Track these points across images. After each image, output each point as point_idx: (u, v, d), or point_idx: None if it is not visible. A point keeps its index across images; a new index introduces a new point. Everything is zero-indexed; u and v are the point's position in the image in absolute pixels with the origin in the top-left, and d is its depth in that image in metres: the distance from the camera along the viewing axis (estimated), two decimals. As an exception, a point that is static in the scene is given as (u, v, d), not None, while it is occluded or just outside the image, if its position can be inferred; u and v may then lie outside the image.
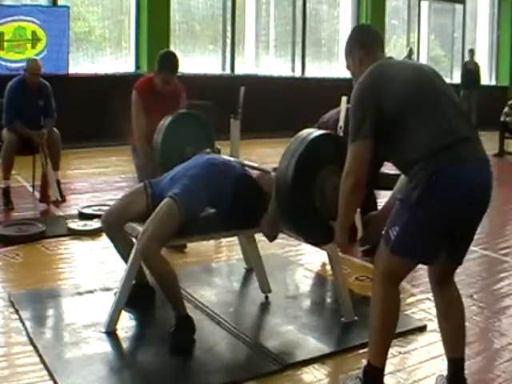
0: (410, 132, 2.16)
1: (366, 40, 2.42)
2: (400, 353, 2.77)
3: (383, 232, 2.28)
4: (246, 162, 3.33)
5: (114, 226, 2.95)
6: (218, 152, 3.60)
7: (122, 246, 3.00)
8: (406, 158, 2.19)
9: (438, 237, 2.19)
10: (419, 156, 2.13)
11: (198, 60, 10.41)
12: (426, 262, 2.32)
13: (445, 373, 2.42)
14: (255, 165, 3.27)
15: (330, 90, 7.25)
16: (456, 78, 13.67)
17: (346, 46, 2.47)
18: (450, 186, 2.11)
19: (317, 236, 2.64)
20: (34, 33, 8.52)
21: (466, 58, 13.10)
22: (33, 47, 8.52)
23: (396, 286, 2.29)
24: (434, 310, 3.19)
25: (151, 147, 3.69)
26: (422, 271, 3.79)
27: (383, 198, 4.35)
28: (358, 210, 4.73)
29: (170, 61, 4.15)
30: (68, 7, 8.89)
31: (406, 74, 2.24)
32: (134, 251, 2.82)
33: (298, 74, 11.79)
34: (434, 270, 2.38)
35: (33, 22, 8.50)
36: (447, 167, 2.10)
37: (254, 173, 3.12)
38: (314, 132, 2.62)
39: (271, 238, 2.99)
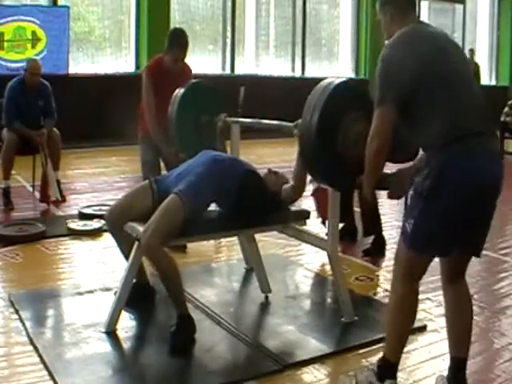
0: (426, 118, 2.19)
1: None
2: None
3: (401, 227, 2.29)
4: (266, 122, 3.33)
5: (118, 222, 2.93)
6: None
7: (125, 244, 2.99)
8: (420, 143, 2.25)
9: (452, 226, 2.20)
10: (431, 144, 2.18)
11: (198, 60, 10.41)
12: (442, 253, 2.31)
13: (445, 373, 2.42)
14: (275, 122, 3.24)
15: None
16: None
17: (379, 0, 2.44)
18: (459, 177, 2.13)
19: (343, 183, 2.72)
20: (33, 33, 8.52)
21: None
22: (33, 47, 8.53)
23: (415, 284, 2.31)
24: (434, 310, 3.21)
25: (162, 127, 3.68)
26: (422, 271, 3.79)
27: (383, 197, 4.36)
28: (359, 210, 4.75)
29: (181, 38, 4.14)
30: (68, 7, 8.90)
31: (425, 55, 2.21)
32: (134, 250, 2.82)
33: (298, 74, 11.80)
34: (448, 264, 2.39)
35: (33, 22, 8.50)
36: (457, 159, 2.13)
37: (261, 172, 3.11)
38: (334, 81, 2.66)
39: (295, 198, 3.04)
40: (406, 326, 2.34)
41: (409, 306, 2.31)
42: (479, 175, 2.16)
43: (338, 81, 2.66)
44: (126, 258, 2.96)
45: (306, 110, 2.63)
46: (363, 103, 2.61)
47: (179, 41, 4.12)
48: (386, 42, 2.35)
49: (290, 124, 2.93)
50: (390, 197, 2.50)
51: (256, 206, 2.94)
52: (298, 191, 3.00)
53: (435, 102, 2.18)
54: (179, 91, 3.60)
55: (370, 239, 4.32)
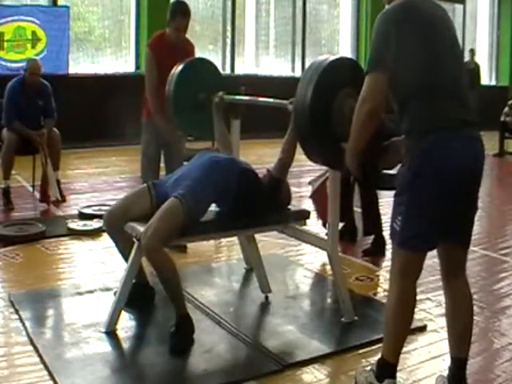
0: (409, 101, 2.19)
1: None
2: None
3: (389, 227, 2.30)
4: (263, 99, 3.31)
5: (116, 225, 2.94)
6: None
7: (124, 246, 2.99)
8: (403, 128, 2.23)
9: (438, 214, 2.20)
10: (411, 128, 2.19)
11: (197, 60, 10.40)
12: (432, 244, 2.30)
13: (445, 373, 2.42)
14: (271, 100, 3.23)
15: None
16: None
17: None
18: (439, 164, 2.14)
19: (336, 159, 2.69)
20: (34, 33, 8.52)
21: (467, 58, 13.08)
22: (33, 47, 8.52)
23: (412, 283, 2.30)
24: (434, 310, 3.21)
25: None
26: (422, 271, 3.78)
27: (384, 198, 4.36)
28: (360, 210, 4.74)
29: (183, 7, 4.12)
30: (68, 7, 8.90)
31: (418, 36, 2.20)
32: (133, 251, 2.82)
33: (298, 74, 11.79)
34: (445, 259, 2.38)
35: (33, 22, 8.50)
36: (436, 146, 2.14)
37: (260, 172, 3.10)
38: (328, 57, 2.67)
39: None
40: (403, 326, 2.34)
41: (406, 305, 2.30)
42: (459, 160, 2.16)
43: (332, 57, 2.67)
44: (125, 259, 2.96)
45: (300, 86, 2.61)
46: (357, 79, 2.61)
47: (181, 10, 4.08)
48: (386, 6, 2.34)
49: (285, 101, 2.94)
50: (385, 167, 2.48)
51: (255, 204, 2.95)
52: (284, 163, 3.01)
53: (419, 86, 2.18)
54: (176, 68, 3.57)
55: (370, 239, 4.32)
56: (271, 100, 3.19)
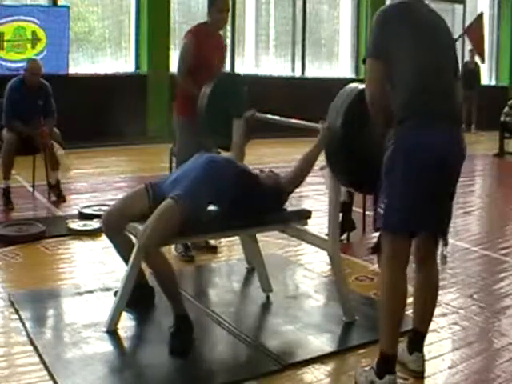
0: (399, 88, 2.27)
1: None
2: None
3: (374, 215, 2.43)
4: (294, 121, 3.33)
5: (114, 226, 2.95)
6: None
7: (122, 246, 3.00)
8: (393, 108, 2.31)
9: (415, 199, 2.27)
10: (396, 111, 2.27)
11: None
12: (415, 228, 2.37)
13: (445, 373, 2.43)
14: (302, 122, 3.26)
15: (329, 89, 7.24)
16: (456, 77, 13.67)
17: None
18: (417, 152, 2.23)
19: (366, 184, 2.80)
20: (34, 33, 8.51)
21: (466, 58, 13.09)
22: (33, 47, 8.52)
23: (402, 270, 2.36)
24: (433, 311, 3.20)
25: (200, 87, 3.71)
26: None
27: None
28: (360, 210, 4.69)
29: None
30: (68, 7, 8.89)
31: (411, 36, 2.28)
32: (134, 252, 2.81)
33: (298, 73, 11.79)
34: (418, 245, 2.49)
35: (33, 22, 8.50)
36: (415, 135, 2.23)
37: (261, 175, 3.10)
38: (359, 86, 2.75)
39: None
40: (396, 313, 2.38)
41: (397, 292, 2.36)
42: (436, 150, 2.24)
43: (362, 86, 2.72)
44: (124, 260, 2.97)
45: (330, 112, 2.76)
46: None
47: None
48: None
49: (318, 125, 2.94)
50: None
51: (254, 205, 2.95)
52: (296, 179, 3.06)
53: (403, 81, 2.26)
54: (208, 86, 3.64)
55: (372, 238, 4.31)
56: (303, 122, 3.20)
